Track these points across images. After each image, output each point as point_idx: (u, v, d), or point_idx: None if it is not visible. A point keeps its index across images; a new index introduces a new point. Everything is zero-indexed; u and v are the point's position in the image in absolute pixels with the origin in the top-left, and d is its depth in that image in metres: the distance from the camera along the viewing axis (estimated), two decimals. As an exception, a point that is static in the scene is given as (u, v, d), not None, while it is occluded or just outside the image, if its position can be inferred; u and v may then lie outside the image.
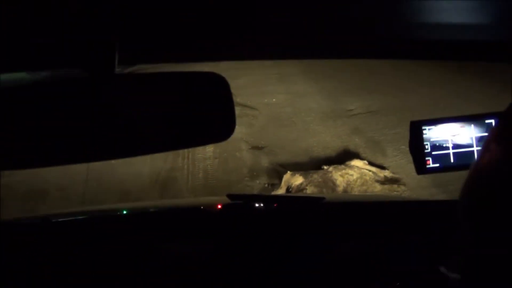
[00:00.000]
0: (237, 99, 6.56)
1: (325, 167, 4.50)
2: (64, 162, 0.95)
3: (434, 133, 1.06)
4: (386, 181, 4.36)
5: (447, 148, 1.06)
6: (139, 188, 4.48)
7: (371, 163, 4.60)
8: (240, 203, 1.57)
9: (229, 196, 1.59)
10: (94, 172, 4.48)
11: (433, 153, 1.06)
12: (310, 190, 4.14)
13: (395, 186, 4.28)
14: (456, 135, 1.06)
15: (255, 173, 4.75)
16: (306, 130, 5.67)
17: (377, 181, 4.33)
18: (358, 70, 6.64)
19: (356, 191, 4.20)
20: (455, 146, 1.06)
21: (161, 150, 0.98)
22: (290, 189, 4.24)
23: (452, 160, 1.07)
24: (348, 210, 1.64)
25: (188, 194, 4.44)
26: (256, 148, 5.26)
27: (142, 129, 0.93)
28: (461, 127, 1.06)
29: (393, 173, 4.47)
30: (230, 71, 7.47)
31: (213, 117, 0.97)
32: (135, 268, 1.37)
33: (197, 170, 4.79)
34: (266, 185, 4.53)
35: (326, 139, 5.37)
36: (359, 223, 1.47)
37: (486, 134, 1.05)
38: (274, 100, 6.59)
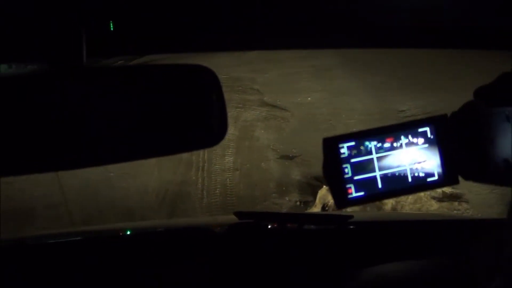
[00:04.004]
0: (264, 97, 6.58)
1: (370, 181, 4.45)
2: (23, 172, 0.97)
3: (354, 152, 0.95)
4: (444, 197, 4.29)
5: (373, 170, 0.95)
6: (143, 206, 4.52)
7: (426, 176, 4.53)
8: (249, 222, 1.57)
9: (237, 214, 1.59)
10: (89, 187, 4.55)
11: (355, 178, 0.95)
12: (350, 209, 4.10)
13: (455, 204, 4.21)
14: (382, 152, 0.95)
15: (284, 188, 4.74)
16: (347, 135, 5.62)
17: (434, 197, 4.26)
18: (410, 63, 6.54)
19: (407, 209, 4.13)
20: (383, 167, 0.95)
21: (138, 158, 0.99)
22: (327, 207, 4.20)
23: (380, 185, 0.95)
24: (380, 231, 1.62)
25: (202, 214, 4.46)
26: (286, 157, 5.25)
27: (115, 133, 0.94)
28: (388, 140, 0.95)
29: (453, 188, 4.38)
30: (256, 63, 7.53)
31: (198, 118, 0.98)
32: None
33: (214, 185, 4.81)
34: (298, 203, 4.52)
35: (372, 146, 5.31)
36: (392, 248, 1.46)
37: (420, 146, 0.94)
38: (309, 99, 6.56)
